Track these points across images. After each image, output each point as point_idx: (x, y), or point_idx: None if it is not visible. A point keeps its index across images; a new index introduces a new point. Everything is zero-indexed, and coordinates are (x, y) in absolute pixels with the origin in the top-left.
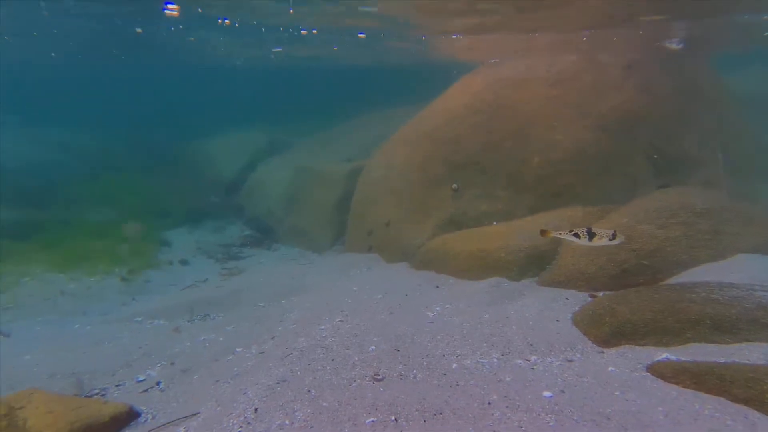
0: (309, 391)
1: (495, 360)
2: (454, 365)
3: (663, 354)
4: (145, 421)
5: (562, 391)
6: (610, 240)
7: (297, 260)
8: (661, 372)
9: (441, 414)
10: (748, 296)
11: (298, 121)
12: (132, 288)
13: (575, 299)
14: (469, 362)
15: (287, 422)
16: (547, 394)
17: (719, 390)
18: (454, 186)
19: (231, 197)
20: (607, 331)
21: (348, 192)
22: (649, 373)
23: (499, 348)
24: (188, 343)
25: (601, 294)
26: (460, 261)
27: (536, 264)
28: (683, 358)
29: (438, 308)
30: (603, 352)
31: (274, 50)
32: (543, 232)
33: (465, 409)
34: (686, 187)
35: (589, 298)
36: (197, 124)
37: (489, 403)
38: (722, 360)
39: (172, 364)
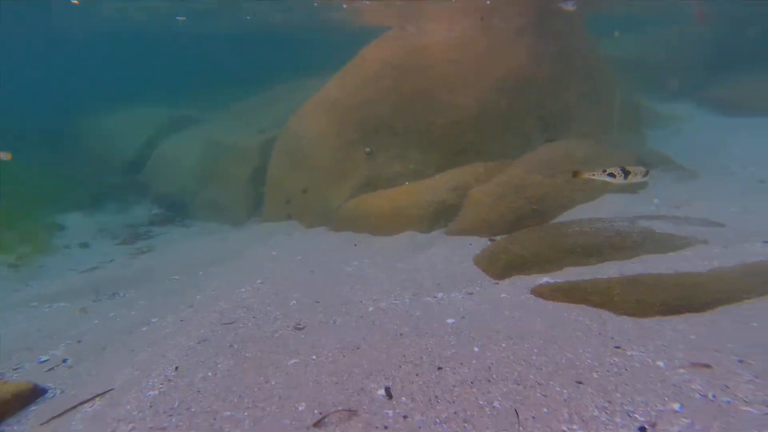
0: (231, 345)
1: (407, 300)
2: (371, 308)
3: (544, 279)
4: (53, 396)
5: (463, 317)
6: (644, 176)
7: (214, 234)
8: (542, 292)
9: (359, 348)
10: (610, 227)
11: (209, 94)
12: (23, 275)
13: (478, 244)
14: (384, 305)
15: (210, 374)
16: (450, 320)
17: (582, 299)
18: (368, 150)
19: (133, 176)
20: (502, 266)
21: (263, 163)
22: (532, 295)
23: (411, 290)
24: (96, 321)
25: (499, 238)
26: (376, 219)
27: (444, 216)
28: (559, 280)
29: (356, 263)
30: (498, 284)
31: (178, 18)
32: (575, 174)
33: (380, 342)
34: (568, 140)
35: (489, 242)
36: (92, 99)
37: (401, 334)
38: (588, 277)
39: (79, 342)
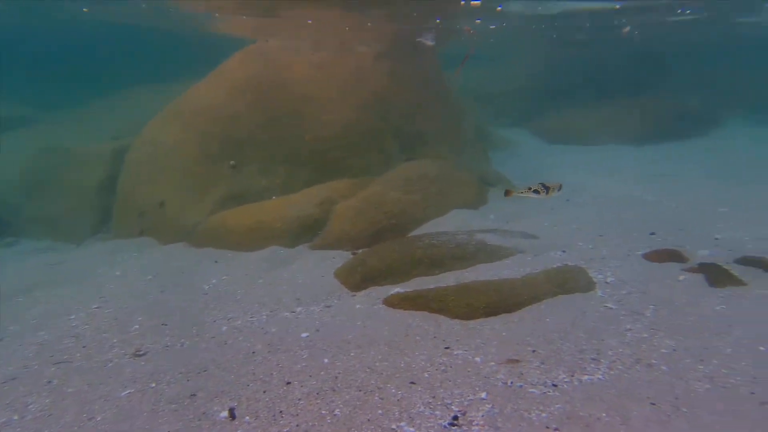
0: (50, 381)
1: (264, 317)
2: (224, 328)
3: (395, 289)
4: None
5: (318, 330)
6: (558, 191)
7: (46, 253)
8: (392, 302)
9: (206, 370)
10: (452, 239)
11: (52, 93)
12: None
13: (341, 258)
14: (239, 323)
15: (15, 418)
16: (304, 334)
17: (425, 306)
18: (232, 163)
19: None
20: (359, 278)
21: (113, 173)
22: (384, 305)
23: (269, 306)
24: None
25: (361, 251)
26: (239, 234)
27: (310, 231)
28: (408, 290)
29: (214, 280)
30: (355, 295)
31: None
32: (507, 193)
33: (230, 361)
34: (423, 160)
35: (351, 255)
36: None
37: (253, 352)
38: (432, 286)
39: None
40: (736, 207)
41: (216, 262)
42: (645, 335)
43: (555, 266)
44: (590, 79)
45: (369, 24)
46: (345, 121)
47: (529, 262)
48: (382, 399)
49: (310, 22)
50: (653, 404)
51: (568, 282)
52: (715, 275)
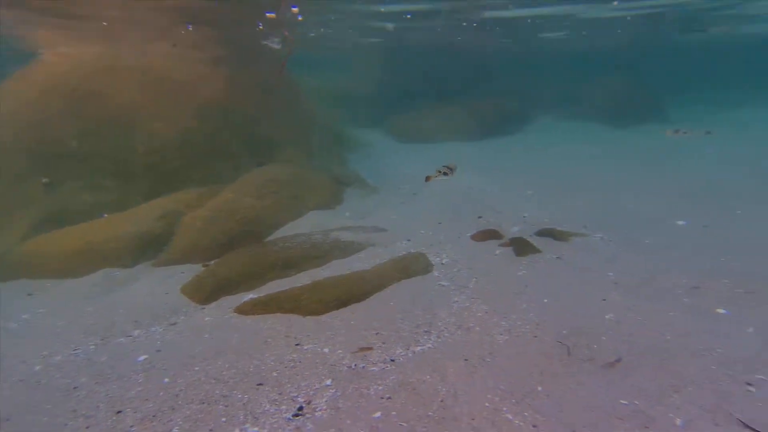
0: None
1: (92, 347)
2: (38, 367)
3: (249, 295)
4: None
5: (159, 351)
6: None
7: None
8: (244, 309)
9: (8, 420)
10: (307, 240)
11: None
12: None
13: (191, 272)
14: (59, 358)
15: None
16: (141, 358)
17: (278, 309)
18: (45, 180)
19: None
20: (209, 290)
21: None
22: (236, 313)
23: (99, 334)
24: None
25: (213, 263)
26: (62, 260)
27: (152, 247)
28: (262, 294)
29: (26, 316)
30: (204, 308)
31: None
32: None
33: (43, 403)
34: (275, 164)
35: (203, 268)
36: None
37: (75, 387)
38: (287, 288)
39: None
40: (539, 190)
41: (30, 295)
42: (467, 304)
43: (401, 254)
44: (433, 85)
45: (189, 28)
46: (182, 129)
47: (379, 254)
48: (227, 406)
49: (105, 24)
50: (466, 360)
51: (410, 267)
52: (521, 247)
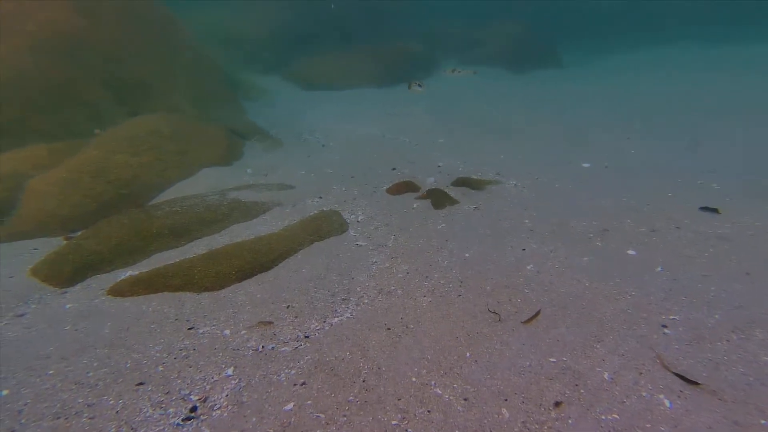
0: None
1: None
2: None
3: (127, 272)
4: None
5: None
6: (474, 72)
7: None
8: (120, 290)
9: None
10: (201, 202)
11: None
12: None
13: (47, 246)
14: None
15: None
16: None
17: (164, 286)
18: None
19: None
20: (71, 270)
21: None
22: (109, 296)
23: None
24: None
25: (78, 233)
26: None
27: None
28: (143, 271)
29: None
30: (66, 292)
31: None
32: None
33: None
34: (154, 114)
35: (64, 242)
36: None
37: None
38: (176, 260)
39: None
40: (450, 137)
41: None
42: (387, 264)
43: (312, 214)
44: (336, 27)
45: None
46: (16, 68)
47: (287, 214)
48: (92, 418)
49: None
50: (388, 329)
51: (323, 227)
52: (438, 198)
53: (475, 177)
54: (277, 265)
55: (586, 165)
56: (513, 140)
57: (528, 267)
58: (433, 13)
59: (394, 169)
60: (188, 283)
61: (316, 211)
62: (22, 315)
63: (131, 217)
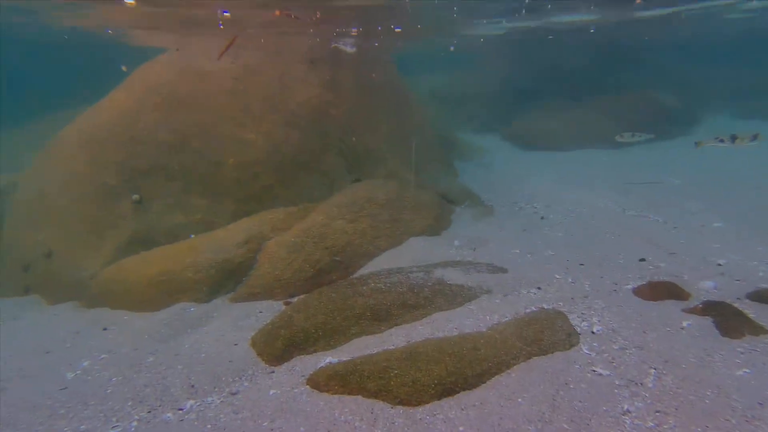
0: None
1: (134, 423)
2: None
3: (327, 358)
4: None
5: None
6: (751, 141)
7: None
8: (317, 382)
9: None
10: (405, 280)
11: None
12: None
13: (270, 311)
14: None
15: None
16: None
17: (358, 388)
18: (135, 197)
19: None
20: (281, 346)
21: None
22: (307, 387)
23: (148, 403)
24: None
25: (295, 299)
26: (139, 290)
27: (231, 278)
28: (343, 358)
29: (86, 363)
30: (273, 372)
31: None
32: (697, 144)
33: None
34: (373, 180)
35: (283, 306)
36: None
37: None
38: (375, 350)
39: None
40: (734, 220)
41: (105, 329)
42: (650, 423)
43: (527, 311)
44: (563, 80)
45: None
46: (273, 140)
47: (497, 307)
48: None
49: (227, 14)
50: None
51: (544, 335)
52: (727, 319)
53: None
54: (484, 382)
55: None
56: None
57: None
58: (690, 57)
59: (642, 260)
60: (383, 389)
61: (533, 308)
62: (235, 394)
63: (338, 292)
